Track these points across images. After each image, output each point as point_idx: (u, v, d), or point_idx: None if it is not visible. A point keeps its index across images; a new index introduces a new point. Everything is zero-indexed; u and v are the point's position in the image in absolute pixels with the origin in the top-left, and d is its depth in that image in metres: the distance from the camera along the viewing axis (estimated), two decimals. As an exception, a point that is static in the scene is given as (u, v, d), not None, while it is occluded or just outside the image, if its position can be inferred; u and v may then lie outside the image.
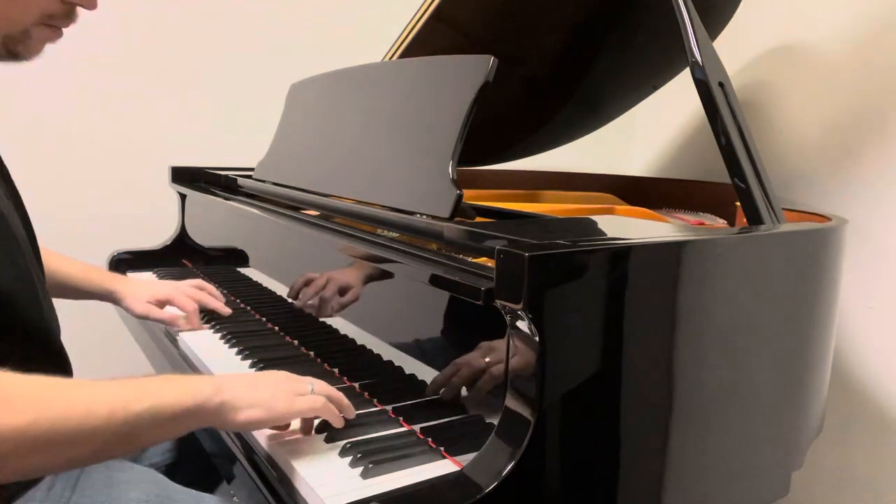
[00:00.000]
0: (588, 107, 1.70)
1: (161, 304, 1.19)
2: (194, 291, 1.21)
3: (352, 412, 0.80)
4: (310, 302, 1.10)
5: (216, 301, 1.21)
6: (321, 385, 0.78)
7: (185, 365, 1.08)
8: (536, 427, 0.64)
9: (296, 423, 0.80)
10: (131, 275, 1.55)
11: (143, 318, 1.19)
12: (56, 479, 0.79)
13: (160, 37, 1.85)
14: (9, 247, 0.75)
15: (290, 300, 1.17)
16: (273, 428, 0.78)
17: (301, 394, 0.75)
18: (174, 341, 1.15)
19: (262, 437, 0.82)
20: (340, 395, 0.79)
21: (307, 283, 1.12)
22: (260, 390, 0.73)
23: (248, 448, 0.83)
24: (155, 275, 1.53)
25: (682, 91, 1.33)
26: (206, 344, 1.11)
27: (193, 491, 0.86)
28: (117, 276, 1.26)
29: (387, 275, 0.92)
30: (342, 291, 1.02)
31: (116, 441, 0.62)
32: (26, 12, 0.73)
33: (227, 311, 1.20)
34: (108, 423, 0.60)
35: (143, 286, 1.21)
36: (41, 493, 0.77)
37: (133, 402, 0.62)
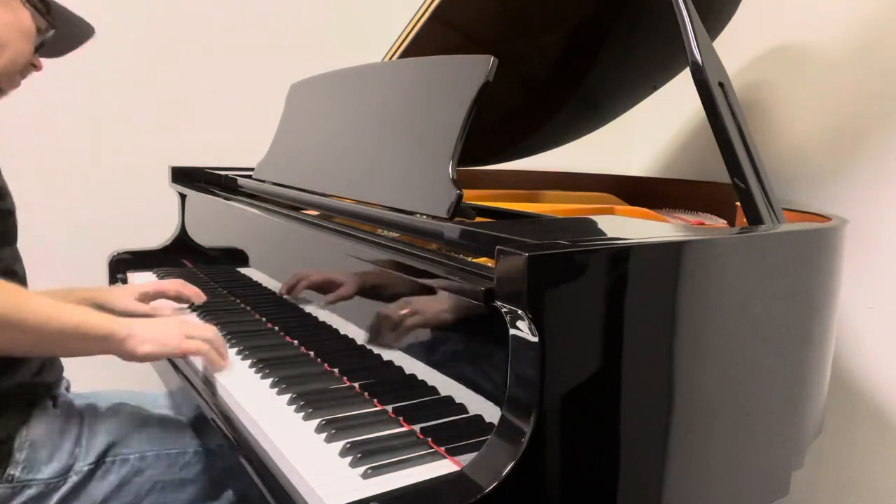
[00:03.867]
0: (588, 107, 1.70)
1: (146, 298, 1.24)
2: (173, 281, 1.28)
3: (223, 362, 0.99)
4: (305, 296, 1.10)
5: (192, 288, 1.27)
6: (211, 333, 0.99)
7: (186, 364, 1.08)
8: (536, 427, 0.64)
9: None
10: (131, 275, 1.55)
11: (126, 312, 1.19)
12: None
13: (160, 37, 1.85)
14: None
15: (286, 295, 1.17)
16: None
17: (191, 336, 0.95)
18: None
19: (262, 437, 0.82)
20: (221, 343, 1.00)
21: (306, 282, 1.12)
22: (156, 331, 0.93)
23: (250, 448, 0.83)
24: (155, 275, 1.53)
25: (682, 91, 1.33)
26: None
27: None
28: (95, 286, 1.30)
29: (387, 275, 0.92)
30: (340, 291, 1.02)
31: (50, 339, 0.85)
32: (19, 61, 1.03)
33: (201, 297, 1.26)
34: (47, 323, 0.83)
35: (125, 286, 1.28)
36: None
37: (69, 316, 0.85)
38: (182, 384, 1.06)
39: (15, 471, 0.87)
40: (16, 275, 1.01)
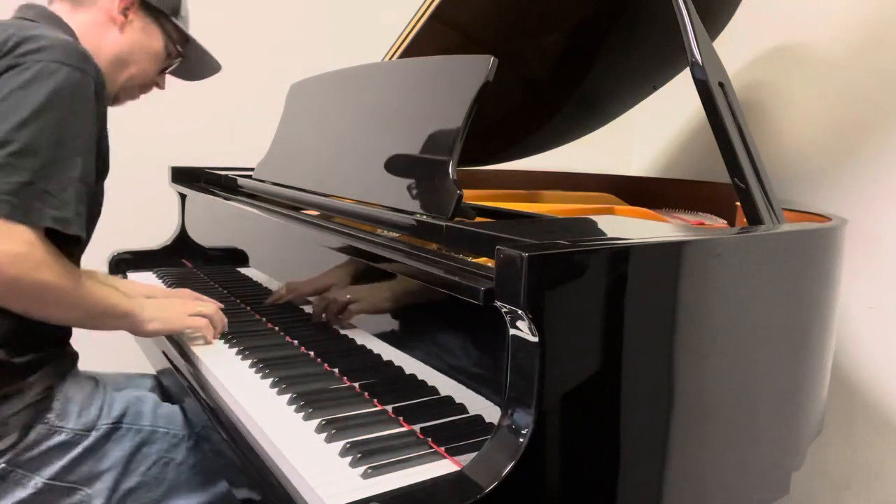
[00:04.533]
0: (588, 106, 1.70)
1: None
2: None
3: (219, 329, 1.13)
4: (320, 313, 1.10)
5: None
6: (210, 309, 1.13)
7: (183, 360, 1.08)
8: (536, 427, 0.64)
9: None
10: (131, 275, 1.55)
11: None
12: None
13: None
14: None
15: (300, 306, 1.17)
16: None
17: (192, 313, 1.10)
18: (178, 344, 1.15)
19: (262, 437, 0.82)
20: (220, 319, 1.13)
21: (310, 292, 1.13)
22: (164, 310, 1.09)
23: (249, 447, 0.83)
24: (155, 275, 1.53)
25: (682, 91, 1.33)
26: (206, 344, 1.11)
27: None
28: (115, 279, 1.36)
29: (387, 275, 0.92)
30: (349, 300, 1.02)
31: (93, 316, 0.99)
32: (141, 78, 1.20)
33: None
34: (93, 304, 0.98)
35: (137, 287, 1.31)
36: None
37: (107, 298, 1.01)
38: (180, 381, 1.06)
39: (51, 415, 0.98)
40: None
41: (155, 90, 1.28)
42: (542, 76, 1.62)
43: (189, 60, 1.27)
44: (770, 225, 0.97)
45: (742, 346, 0.86)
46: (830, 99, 1.62)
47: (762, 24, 1.75)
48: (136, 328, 1.05)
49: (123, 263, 1.58)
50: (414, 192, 0.98)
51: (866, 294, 1.54)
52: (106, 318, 1.01)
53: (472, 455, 0.68)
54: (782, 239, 0.94)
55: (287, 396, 0.90)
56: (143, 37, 1.16)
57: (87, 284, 0.97)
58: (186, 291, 1.25)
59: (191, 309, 1.11)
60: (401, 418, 0.84)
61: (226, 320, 1.14)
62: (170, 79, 1.84)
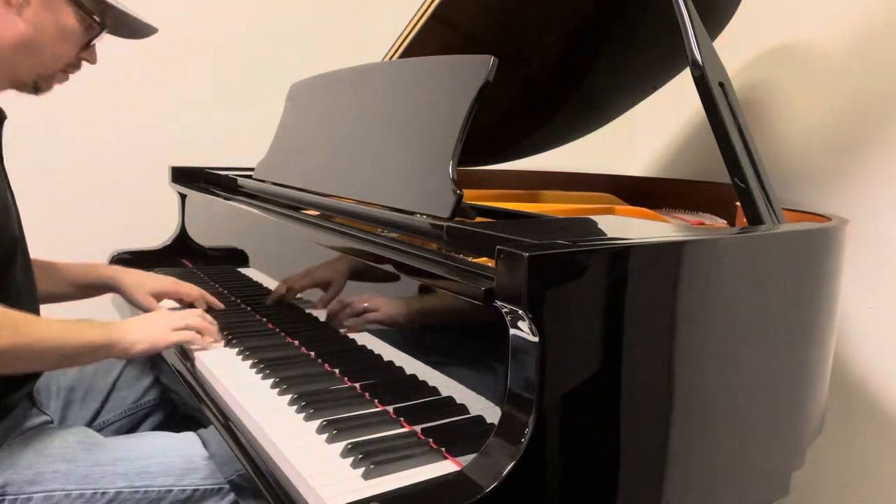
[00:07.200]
0: (588, 107, 1.70)
1: (160, 297, 1.27)
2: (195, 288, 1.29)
3: (213, 335, 1.11)
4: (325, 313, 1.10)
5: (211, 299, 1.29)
6: (194, 320, 1.09)
7: (182, 360, 1.08)
8: (536, 427, 0.64)
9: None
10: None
11: (135, 303, 1.26)
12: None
13: (160, 36, 1.85)
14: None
15: (302, 307, 1.17)
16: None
17: (176, 327, 1.06)
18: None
19: (263, 438, 0.82)
20: (208, 326, 1.10)
21: (307, 282, 1.13)
22: (146, 330, 1.04)
23: (252, 449, 0.83)
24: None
25: (682, 91, 1.32)
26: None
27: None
28: (115, 266, 1.35)
29: (387, 275, 0.92)
30: (354, 304, 1.02)
31: (64, 358, 0.96)
32: (58, 61, 1.04)
33: (219, 305, 1.29)
34: (61, 348, 0.94)
35: (144, 275, 1.30)
36: None
37: (76, 336, 0.96)
38: (179, 382, 1.06)
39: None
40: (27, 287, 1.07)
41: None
42: (542, 76, 1.62)
43: (117, 27, 1.10)
44: (770, 225, 0.97)
45: (742, 347, 0.86)
46: (831, 99, 1.62)
47: (762, 24, 1.75)
48: (120, 354, 1.02)
49: (123, 263, 1.57)
50: (414, 192, 0.97)
51: (867, 294, 1.54)
52: (83, 355, 0.98)
53: (472, 456, 0.68)
54: (782, 239, 0.94)
55: (288, 397, 0.90)
56: (45, 15, 0.98)
57: (51, 328, 0.93)
58: (162, 308, 1.23)
59: (175, 322, 1.07)
60: (402, 419, 0.84)
61: (215, 324, 1.12)
62: (170, 78, 1.84)
